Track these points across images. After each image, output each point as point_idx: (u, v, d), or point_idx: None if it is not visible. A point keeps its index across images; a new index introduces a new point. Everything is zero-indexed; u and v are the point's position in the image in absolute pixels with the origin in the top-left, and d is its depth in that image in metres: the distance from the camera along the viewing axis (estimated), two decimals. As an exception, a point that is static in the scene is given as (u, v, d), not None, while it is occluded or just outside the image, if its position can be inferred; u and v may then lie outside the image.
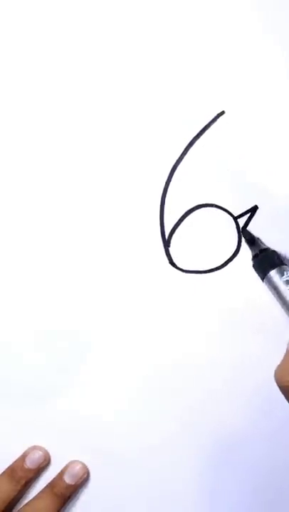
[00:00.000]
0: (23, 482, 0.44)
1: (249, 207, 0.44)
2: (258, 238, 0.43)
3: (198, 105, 0.44)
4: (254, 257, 0.43)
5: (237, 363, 0.45)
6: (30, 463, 0.44)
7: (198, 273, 0.44)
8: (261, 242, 0.43)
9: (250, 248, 0.43)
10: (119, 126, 0.44)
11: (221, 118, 0.44)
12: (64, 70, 0.44)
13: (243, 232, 0.43)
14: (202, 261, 0.44)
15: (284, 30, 0.44)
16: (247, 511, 0.46)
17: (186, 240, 0.44)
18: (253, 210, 0.44)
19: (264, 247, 0.43)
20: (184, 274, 0.44)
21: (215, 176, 0.44)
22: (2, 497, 0.44)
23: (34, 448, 0.45)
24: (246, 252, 0.44)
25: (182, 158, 0.44)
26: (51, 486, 0.44)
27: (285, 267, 0.41)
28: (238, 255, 0.44)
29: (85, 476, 0.45)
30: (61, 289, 0.45)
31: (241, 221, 0.44)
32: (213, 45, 0.44)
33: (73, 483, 0.44)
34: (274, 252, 0.43)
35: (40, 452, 0.45)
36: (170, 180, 0.44)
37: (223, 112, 0.44)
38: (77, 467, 0.44)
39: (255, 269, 0.43)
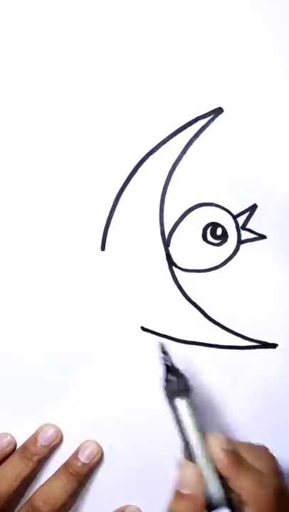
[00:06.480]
0: (35, 459, 0.44)
1: (248, 205, 0.44)
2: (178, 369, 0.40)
3: (196, 103, 0.44)
4: (166, 381, 0.40)
5: (237, 362, 0.45)
6: (42, 440, 0.44)
7: (198, 272, 0.45)
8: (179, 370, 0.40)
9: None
10: (118, 126, 0.44)
11: (219, 116, 0.44)
12: (62, 68, 0.44)
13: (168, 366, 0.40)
14: (202, 260, 0.45)
15: (283, 28, 0.43)
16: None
17: (186, 238, 0.44)
18: (253, 208, 0.44)
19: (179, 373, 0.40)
20: (183, 273, 0.45)
21: (214, 175, 0.44)
22: (15, 475, 0.43)
23: (46, 425, 0.45)
24: (246, 251, 0.44)
25: (181, 157, 0.44)
26: (66, 466, 0.45)
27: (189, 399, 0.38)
28: (238, 254, 0.45)
29: (99, 455, 0.45)
30: (62, 288, 0.45)
31: (241, 219, 0.44)
32: (211, 43, 0.43)
33: (88, 462, 0.44)
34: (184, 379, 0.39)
35: (53, 429, 0.45)
36: (169, 180, 0.44)
37: (222, 111, 0.44)
38: (91, 445, 0.45)
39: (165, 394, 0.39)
